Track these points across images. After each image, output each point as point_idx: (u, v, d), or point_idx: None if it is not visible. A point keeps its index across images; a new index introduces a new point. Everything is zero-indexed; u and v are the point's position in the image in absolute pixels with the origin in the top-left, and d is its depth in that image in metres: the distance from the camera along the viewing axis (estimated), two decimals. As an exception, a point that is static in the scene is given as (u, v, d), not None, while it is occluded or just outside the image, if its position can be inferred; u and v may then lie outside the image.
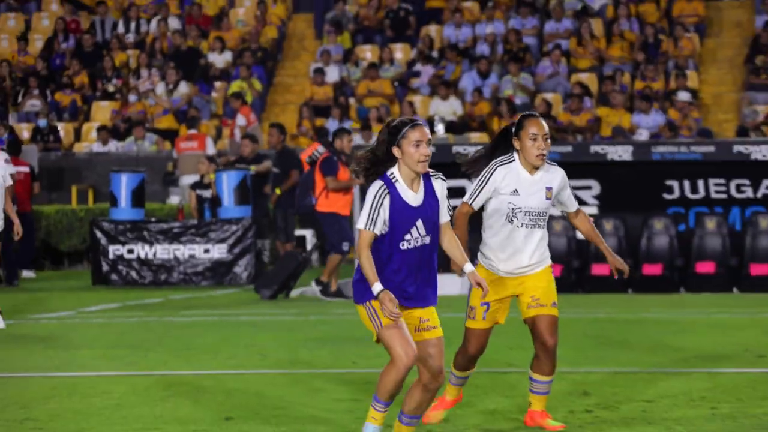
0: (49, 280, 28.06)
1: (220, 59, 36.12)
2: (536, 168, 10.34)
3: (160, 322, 20.12)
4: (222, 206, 26.45)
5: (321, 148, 23.28)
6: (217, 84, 35.30)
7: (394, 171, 9.02)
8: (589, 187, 24.44)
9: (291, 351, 16.11)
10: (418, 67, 34.86)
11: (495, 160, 10.31)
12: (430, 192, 9.12)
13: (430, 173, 9.14)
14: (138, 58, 36.28)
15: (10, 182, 19.25)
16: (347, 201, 22.72)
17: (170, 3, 37.94)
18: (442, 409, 10.78)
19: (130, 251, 26.46)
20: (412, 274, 9.10)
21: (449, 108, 33.12)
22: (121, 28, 37.61)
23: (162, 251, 26.47)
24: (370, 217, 8.94)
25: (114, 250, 26.49)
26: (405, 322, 9.09)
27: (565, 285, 22.33)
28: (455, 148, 24.77)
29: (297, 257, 23.70)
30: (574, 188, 24.10)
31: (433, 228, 9.10)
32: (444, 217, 9.21)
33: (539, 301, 10.35)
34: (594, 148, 24.49)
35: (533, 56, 35.08)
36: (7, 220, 18.89)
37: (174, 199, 30.85)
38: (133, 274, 26.40)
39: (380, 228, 8.97)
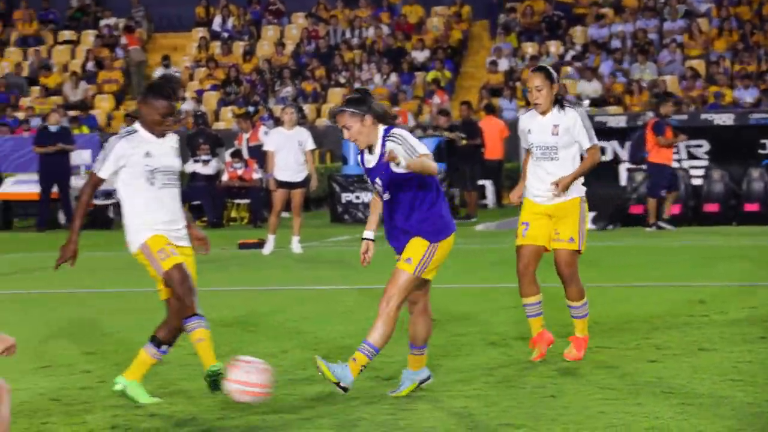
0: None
1: (420, 55, 36.03)
2: (544, 112, 9.20)
3: (379, 249, 20.07)
4: (424, 163, 26.35)
5: (651, 113, 22.55)
6: (418, 74, 35.21)
7: None
8: (700, 146, 23.80)
9: (471, 270, 15.91)
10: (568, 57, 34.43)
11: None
12: (382, 154, 7.83)
13: (387, 137, 7.79)
14: (361, 56, 36.33)
15: (311, 146, 19.05)
16: (671, 154, 22.12)
17: (383, 15, 37.94)
18: (544, 344, 9.36)
19: (357, 197, 26.52)
20: (386, 221, 8.02)
21: (592, 88, 32.66)
22: (348, 35, 37.68)
23: (380, 197, 26.47)
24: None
25: (345, 196, 26.58)
26: None
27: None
28: (597, 118, 24.74)
29: (621, 198, 23.08)
30: (689, 147, 23.61)
31: (390, 185, 7.86)
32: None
33: (558, 236, 9.21)
34: (704, 116, 23.98)
35: (656, 48, 34.36)
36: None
37: (388, 159, 30.83)
38: (360, 214, 26.45)
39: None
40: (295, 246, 19.05)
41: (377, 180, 7.89)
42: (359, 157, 8.05)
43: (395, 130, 7.81)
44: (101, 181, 8.09)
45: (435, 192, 7.93)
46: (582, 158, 9.31)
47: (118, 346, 10.45)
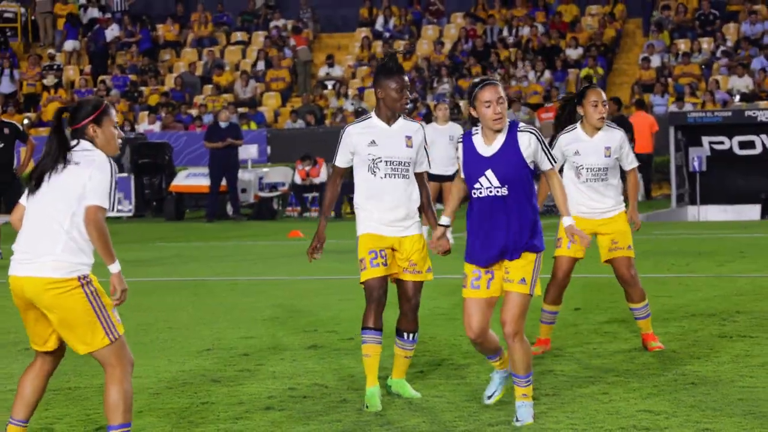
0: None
1: (574, 53, 35.69)
2: (597, 130, 9.08)
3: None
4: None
5: None
6: (570, 71, 34.87)
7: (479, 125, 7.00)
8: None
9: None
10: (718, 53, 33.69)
11: (561, 132, 9.15)
12: (510, 144, 6.88)
13: (520, 127, 6.94)
14: (515, 53, 36.13)
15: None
16: None
17: (538, 14, 37.68)
18: (541, 348, 9.21)
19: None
20: (486, 223, 6.91)
21: (743, 83, 31.89)
22: (504, 33, 37.53)
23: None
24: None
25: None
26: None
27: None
28: (747, 113, 24.18)
29: None
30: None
31: (509, 180, 6.85)
32: (544, 165, 6.98)
33: (618, 245, 9.10)
34: None
35: (808, 43, 33.41)
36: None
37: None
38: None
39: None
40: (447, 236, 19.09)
41: (488, 173, 6.87)
42: (461, 145, 7.01)
43: (524, 124, 7.04)
44: (341, 169, 7.72)
45: (533, 193, 7.08)
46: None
47: (276, 332, 10.59)
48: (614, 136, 9.16)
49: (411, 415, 7.23)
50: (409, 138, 7.63)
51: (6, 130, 18.15)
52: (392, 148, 7.58)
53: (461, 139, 7.05)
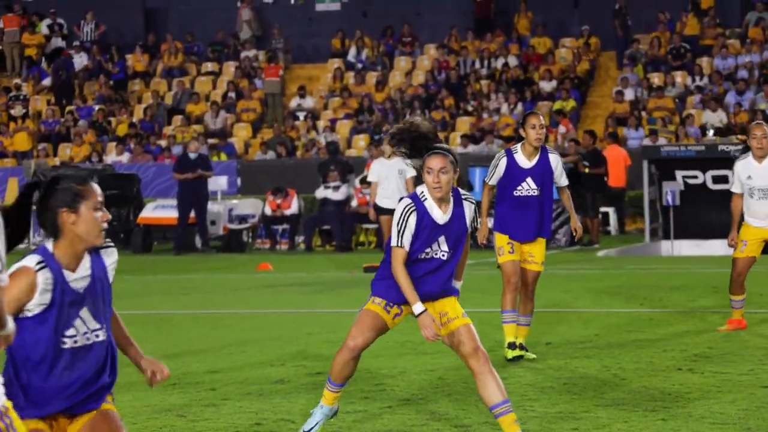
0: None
1: (547, 85, 35.86)
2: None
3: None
4: (548, 191, 26.17)
5: None
6: (542, 103, 35.03)
7: (424, 189, 7.09)
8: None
9: (591, 295, 15.75)
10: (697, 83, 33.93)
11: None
12: (458, 213, 7.08)
13: (462, 196, 7.13)
14: (489, 86, 36.28)
15: (412, 173, 19.05)
16: None
17: (511, 46, 37.85)
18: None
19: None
20: (428, 284, 7.10)
21: (717, 118, 32.11)
22: (477, 65, 37.69)
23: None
24: (398, 234, 7.07)
25: (471, 222, 26.41)
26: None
27: None
28: (720, 147, 24.37)
29: None
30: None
31: (455, 244, 7.10)
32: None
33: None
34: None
35: (781, 78, 33.67)
36: None
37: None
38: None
39: (408, 243, 7.06)
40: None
41: (441, 239, 7.07)
42: (411, 209, 7.08)
43: (463, 191, 7.24)
44: None
45: None
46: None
47: (243, 366, 10.56)
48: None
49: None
50: None
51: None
52: None
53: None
